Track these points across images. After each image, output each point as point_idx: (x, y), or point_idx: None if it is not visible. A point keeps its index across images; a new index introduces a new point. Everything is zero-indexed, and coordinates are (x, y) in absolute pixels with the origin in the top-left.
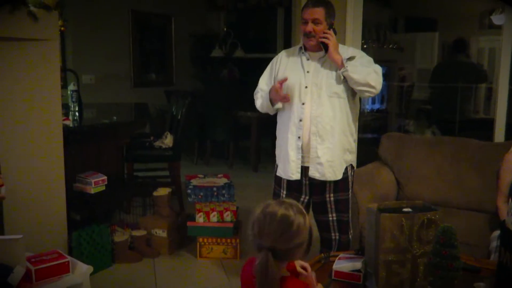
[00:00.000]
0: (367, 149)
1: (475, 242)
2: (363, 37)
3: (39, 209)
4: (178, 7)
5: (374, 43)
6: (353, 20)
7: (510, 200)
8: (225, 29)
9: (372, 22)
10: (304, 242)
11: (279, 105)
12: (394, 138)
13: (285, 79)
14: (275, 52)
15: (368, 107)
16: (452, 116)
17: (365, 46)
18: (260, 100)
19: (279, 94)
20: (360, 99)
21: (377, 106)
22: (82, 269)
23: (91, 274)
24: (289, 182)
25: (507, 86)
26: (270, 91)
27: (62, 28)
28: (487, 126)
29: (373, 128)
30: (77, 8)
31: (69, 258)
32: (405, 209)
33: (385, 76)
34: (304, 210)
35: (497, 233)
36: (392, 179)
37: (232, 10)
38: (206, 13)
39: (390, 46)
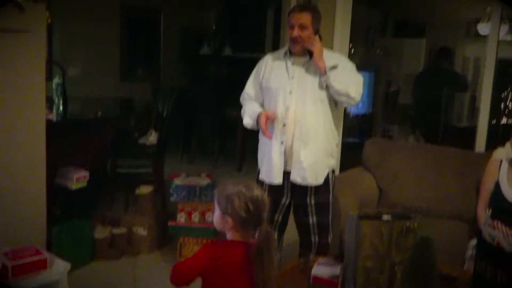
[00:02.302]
0: (351, 153)
1: (453, 249)
2: (351, 40)
3: (18, 203)
4: (168, 3)
5: (361, 47)
6: (342, 22)
7: (488, 210)
8: (214, 27)
9: (360, 24)
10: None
11: None
12: (377, 144)
13: (274, 116)
14: (263, 51)
15: (353, 111)
16: (436, 122)
17: (352, 50)
18: (248, 119)
19: (265, 131)
20: None
21: (362, 110)
22: (59, 266)
23: (69, 271)
24: (271, 185)
25: (489, 95)
26: (258, 117)
27: (49, 20)
28: (470, 134)
29: (358, 132)
30: (66, 0)
31: (47, 254)
32: (385, 217)
33: (371, 80)
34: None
35: (474, 242)
36: (374, 185)
37: (222, 8)
38: (196, 11)
39: (378, 51)
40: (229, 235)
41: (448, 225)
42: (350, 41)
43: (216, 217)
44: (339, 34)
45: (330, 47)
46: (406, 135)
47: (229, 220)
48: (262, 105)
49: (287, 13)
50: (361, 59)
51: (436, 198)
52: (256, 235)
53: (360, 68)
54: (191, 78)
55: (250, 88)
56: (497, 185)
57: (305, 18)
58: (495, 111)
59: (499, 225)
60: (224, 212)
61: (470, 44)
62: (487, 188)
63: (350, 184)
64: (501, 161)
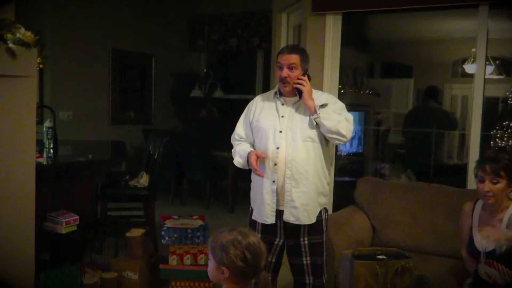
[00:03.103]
0: (344, 192)
1: None
2: (340, 82)
3: (6, 248)
4: (159, 47)
5: (351, 88)
6: (331, 65)
7: (482, 255)
8: (205, 70)
9: (349, 67)
10: None
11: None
12: (369, 183)
13: (264, 155)
14: (254, 93)
15: (344, 150)
16: (427, 161)
17: (342, 91)
18: (239, 159)
19: (255, 170)
20: None
21: (354, 149)
22: None
23: None
24: (264, 225)
25: (479, 132)
26: (248, 156)
27: (40, 65)
28: (461, 171)
29: (350, 171)
30: (58, 45)
31: None
32: (379, 256)
33: (362, 120)
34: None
35: (469, 280)
36: (367, 224)
37: (212, 51)
38: (187, 54)
39: (367, 91)
40: (228, 285)
41: (443, 263)
42: (340, 83)
43: (210, 268)
44: (328, 76)
45: (320, 88)
46: (398, 174)
47: (225, 271)
48: (252, 145)
49: (276, 54)
50: (351, 99)
51: (430, 237)
52: (253, 285)
53: (350, 108)
54: (182, 120)
55: (240, 129)
56: (470, 229)
57: (294, 58)
58: (485, 149)
59: (495, 263)
60: (219, 263)
61: (458, 83)
62: (465, 230)
63: (343, 224)
64: (475, 202)
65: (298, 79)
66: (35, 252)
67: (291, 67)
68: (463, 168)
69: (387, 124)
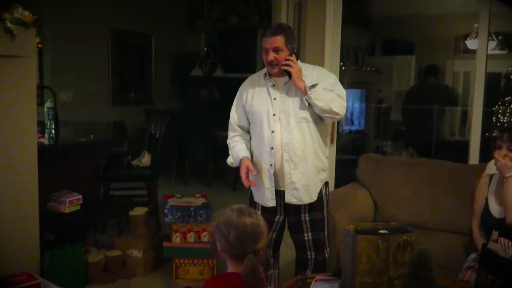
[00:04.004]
0: (345, 170)
1: (450, 263)
2: (342, 60)
3: (11, 229)
4: (159, 27)
5: (352, 66)
6: (332, 43)
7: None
8: (205, 49)
9: (350, 45)
10: (267, 236)
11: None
12: (371, 160)
13: (253, 172)
14: (254, 72)
15: (346, 128)
16: (428, 137)
17: (343, 68)
18: (231, 160)
19: (244, 181)
20: None
21: (355, 127)
22: None
23: None
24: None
25: (481, 109)
26: (240, 165)
27: (39, 46)
28: (463, 148)
29: (351, 149)
30: (56, 25)
31: (40, 280)
32: (381, 231)
33: (363, 98)
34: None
35: (472, 255)
36: (369, 201)
37: (212, 30)
38: (187, 33)
39: (368, 68)
40: (228, 264)
41: (444, 239)
42: (341, 60)
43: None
44: (329, 54)
45: (321, 66)
46: (400, 151)
47: (219, 245)
48: (247, 130)
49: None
50: (352, 77)
51: (431, 212)
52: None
53: (351, 86)
54: (183, 100)
55: (234, 112)
56: (486, 201)
57: (279, 41)
58: (487, 125)
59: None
60: (214, 237)
61: (460, 59)
62: (479, 203)
63: (346, 200)
64: (491, 176)
65: (286, 60)
66: (39, 232)
67: (276, 50)
68: (465, 145)
69: (388, 101)
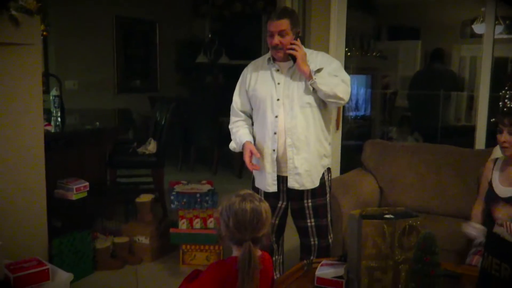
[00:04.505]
0: (351, 156)
1: (456, 248)
2: (347, 45)
3: (19, 216)
4: (163, 14)
5: (358, 51)
6: (337, 29)
7: (502, 206)
8: (210, 35)
9: (355, 31)
10: (270, 223)
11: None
12: (377, 145)
13: (257, 155)
14: None
15: (352, 114)
16: (434, 123)
17: (348, 54)
18: (234, 145)
19: (248, 165)
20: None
21: (361, 113)
22: (62, 277)
23: (72, 282)
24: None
25: (487, 94)
26: (243, 150)
27: (44, 33)
28: (469, 133)
29: (357, 135)
30: (61, 13)
31: (49, 266)
32: (387, 215)
33: (368, 83)
34: (262, 198)
35: (478, 241)
36: (374, 186)
37: (217, 17)
38: (191, 20)
39: (374, 54)
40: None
41: (450, 224)
42: (346, 46)
43: None
44: (334, 39)
45: (326, 52)
46: (405, 137)
47: (221, 231)
48: (250, 115)
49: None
50: (358, 63)
51: (437, 197)
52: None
53: (356, 71)
54: (188, 87)
55: (236, 97)
56: (490, 183)
57: (284, 24)
58: (494, 109)
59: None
60: (219, 221)
61: (466, 44)
62: (483, 186)
63: (351, 186)
64: (495, 160)
65: (291, 44)
66: (47, 218)
67: (282, 34)
68: (471, 130)
69: (394, 87)
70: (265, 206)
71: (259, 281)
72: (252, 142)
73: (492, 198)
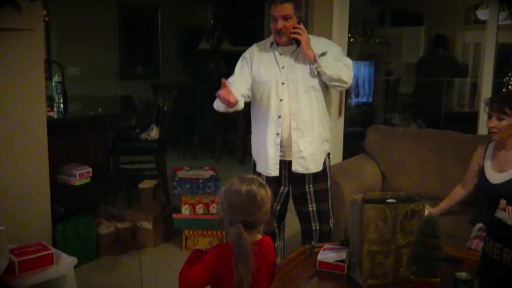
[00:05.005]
0: (353, 142)
1: (457, 234)
2: (350, 31)
3: (23, 202)
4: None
5: (361, 37)
6: (340, 14)
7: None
8: (212, 21)
9: (359, 16)
10: (268, 211)
11: (239, 105)
12: (379, 131)
13: (225, 85)
14: None
15: (354, 100)
16: (437, 109)
17: (352, 40)
18: (215, 103)
19: (226, 100)
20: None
21: (363, 99)
22: (66, 261)
23: (75, 267)
24: (268, 176)
25: (491, 80)
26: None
27: (46, 19)
28: (472, 119)
29: (360, 122)
30: None
31: (53, 250)
32: (389, 200)
33: (372, 70)
34: (264, 183)
35: (479, 225)
36: (377, 172)
37: (219, 2)
38: (193, 6)
39: (377, 40)
40: None
41: (451, 210)
42: (349, 32)
43: None
44: (337, 25)
45: (329, 38)
46: (408, 123)
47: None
48: (247, 91)
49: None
50: (361, 49)
51: (439, 183)
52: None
53: (359, 58)
54: (190, 73)
55: (236, 72)
56: (482, 168)
57: (287, 9)
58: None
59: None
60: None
61: (470, 30)
62: (471, 168)
63: (353, 171)
64: (487, 144)
65: (294, 28)
66: (50, 204)
67: (285, 18)
68: (475, 116)
69: (397, 73)
70: (263, 191)
71: (258, 265)
72: (237, 100)
73: (484, 183)
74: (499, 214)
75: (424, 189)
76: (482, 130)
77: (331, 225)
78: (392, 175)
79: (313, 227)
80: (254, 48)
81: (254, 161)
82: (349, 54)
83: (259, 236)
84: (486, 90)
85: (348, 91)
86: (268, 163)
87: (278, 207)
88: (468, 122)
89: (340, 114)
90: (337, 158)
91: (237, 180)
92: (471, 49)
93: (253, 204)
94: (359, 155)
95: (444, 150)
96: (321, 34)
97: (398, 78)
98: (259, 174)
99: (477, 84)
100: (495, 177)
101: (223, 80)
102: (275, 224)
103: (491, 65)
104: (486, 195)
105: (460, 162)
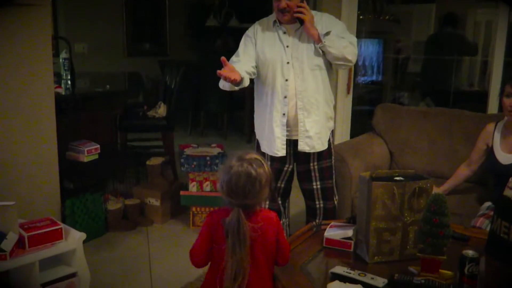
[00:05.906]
0: (362, 121)
1: (465, 212)
2: (359, 8)
3: (32, 178)
4: None
5: (370, 14)
6: None
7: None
8: None
9: None
10: (267, 191)
11: (244, 82)
12: (388, 109)
13: (225, 63)
14: None
15: (363, 79)
16: (447, 88)
17: (361, 17)
18: (220, 82)
19: (229, 79)
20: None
21: (372, 78)
22: (75, 236)
23: (84, 242)
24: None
25: (502, 59)
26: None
27: None
28: (482, 98)
29: (368, 100)
30: None
31: (62, 225)
32: (397, 178)
33: (381, 48)
34: (263, 161)
35: (487, 204)
36: (385, 150)
37: None
38: None
39: (387, 17)
40: None
41: (459, 188)
42: (358, 9)
43: None
44: (346, 3)
45: (338, 16)
46: (417, 102)
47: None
48: (252, 68)
49: None
50: (370, 26)
51: (448, 161)
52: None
53: (368, 35)
54: (198, 51)
55: (240, 51)
56: (491, 148)
57: None
58: (508, 74)
59: None
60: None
61: (482, 8)
62: (477, 147)
63: (361, 149)
64: (496, 123)
65: (298, 6)
66: (59, 180)
67: None
68: (484, 95)
69: (407, 52)
70: (262, 173)
71: (261, 243)
72: (244, 77)
73: (493, 163)
74: (508, 192)
75: (432, 168)
76: (492, 109)
77: (336, 202)
78: (400, 153)
79: (317, 205)
80: (256, 26)
81: (257, 140)
82: (358, 32)
83: (261, 223)
84: (497, 69)
85: (356, 69)
86: (275, 143)
87: (283, 185)
88: (478, 101)
89: (348, 93)
90: (345, 136)
91: (236, 160)
92: (482, 28)
93: (254, 187)
94: (367, 133)
95: (453, 129)
96: (330, 11)
97: (407, 57)
98: (264, 154)
99: (487, 62)
100: (505, 157)
101: (223, 58)
102: (280, 202)
103: (503, 44)
104: (494, 175)
105: (468, 141)
